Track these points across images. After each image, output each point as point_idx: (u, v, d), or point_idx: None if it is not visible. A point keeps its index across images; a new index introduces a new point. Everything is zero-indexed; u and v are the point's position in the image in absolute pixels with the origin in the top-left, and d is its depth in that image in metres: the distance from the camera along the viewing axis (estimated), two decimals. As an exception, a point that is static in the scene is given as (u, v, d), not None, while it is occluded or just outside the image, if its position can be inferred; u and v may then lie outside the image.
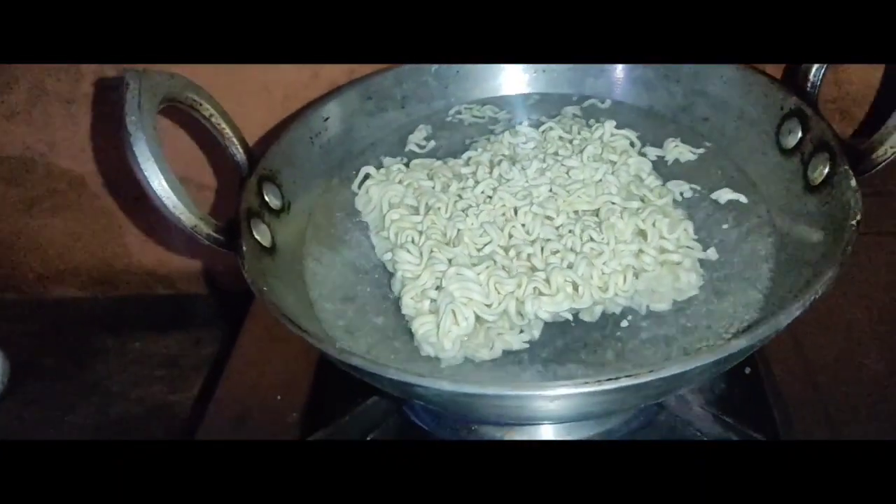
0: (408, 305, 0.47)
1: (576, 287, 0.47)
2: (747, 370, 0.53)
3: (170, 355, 1.01)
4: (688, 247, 0.50)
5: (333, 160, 0.60)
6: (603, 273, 0.48)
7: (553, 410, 0.37)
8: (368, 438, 0.51)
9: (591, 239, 0.50)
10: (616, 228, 0.50)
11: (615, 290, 0.47)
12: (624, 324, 0.46)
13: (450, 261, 0.49)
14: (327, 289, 0.51)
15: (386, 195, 0.55)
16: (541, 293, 0.47)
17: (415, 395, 0.38)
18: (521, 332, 0.46)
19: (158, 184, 0.42)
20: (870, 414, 0.50)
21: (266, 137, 0.67)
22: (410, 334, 0.47)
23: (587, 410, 0.41)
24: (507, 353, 0.46)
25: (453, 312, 0.45)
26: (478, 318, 0.46)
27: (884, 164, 0.45)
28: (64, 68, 0.76)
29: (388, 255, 0.52)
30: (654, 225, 0.50)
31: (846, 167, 0.45)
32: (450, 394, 0.36)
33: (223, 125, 0.50)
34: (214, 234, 0.45)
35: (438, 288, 0.48)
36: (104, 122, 0.82)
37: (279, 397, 0.57)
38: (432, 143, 0.62)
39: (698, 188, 0.55)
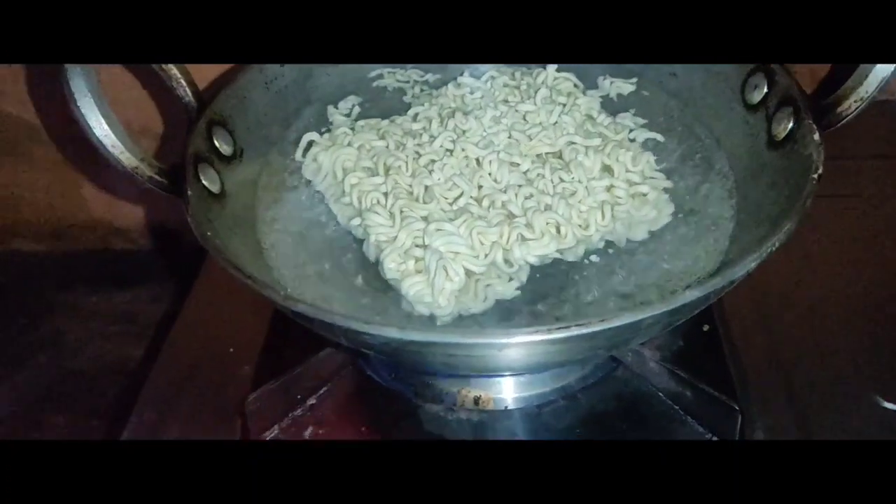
0: (391, 269, 0.46)
1: (558, 228, 0.47)
2: (705, 327, 0.53)
3: (127, 311, 0.99)
4: (652, 177, 0.51)
5: (290, 108, 0.58)
6: (580, 211, 0.48)
7: (505, 360, 0.36)
8: (322, 391, 0.50)
9: (562, 180, 0.50)
10: (584, 167, 0.50)
11: (596, 227, 0.48)
12: (600, 262, 0.47)
13: (424, 218, 0.48)
14: (281, 241, 0.50)
15: (338, 161, 0.53)
16: (525, 239, 0.47)
17: (363, 343, 0.37)
18: (510, 279, 0.46)
19: (96, 121, 0.40)
20: (829, 376, 0.50)
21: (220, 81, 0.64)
22: (375, 290, 0.46)
23: (541, 360, 0.40)
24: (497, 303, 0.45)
25: (444, 269, 0.44)
26: (467, 271, 0.45)
27: (848, 118, 0.44)
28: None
29: (356, 221, 0.50)
30: (618, 159, 0.51)
31: (810, 121, 0.45)
32: (398, 342, 0.34)
33: (170, 66, 0.48)
34: (157, 177, 0.43)
35: (418, 247, 0.46)
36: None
37: (231, 350, 0.56)
38: (357, 110, 0.59)
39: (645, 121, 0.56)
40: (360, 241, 0.49)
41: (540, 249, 0.46)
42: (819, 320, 0.54)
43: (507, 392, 0.51)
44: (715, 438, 0.46)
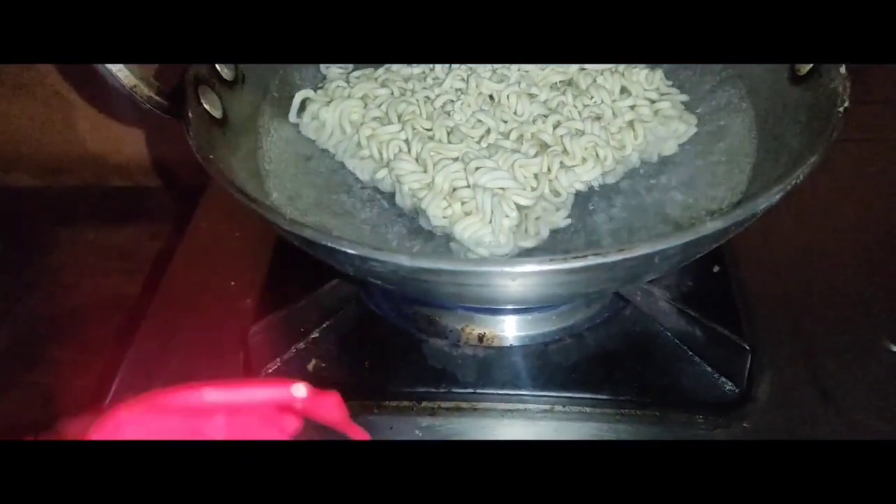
0: (436, 216, 0.44)
1: (596, 152, 0.46)
2: (716, 269, 0.52)
3: (124, 248, 0.99)
4: (667, 93, 0.51)
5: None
6: (612, 133, 0.48)
7: (518, 291, 0.35)
8: (325, 325, 0.50)
9: (585, 105, 0.49)
10: (605, 89, 0.49)
11: (632, 146, 0.47)
12: (618, 194, 0.46)
13: (456, 159, 0.46)
14: (283, 172, 0.49)
15: (343, 115, 0.50)
16: (567, 166, 0.46)
17: (371, 272, 0.36)
18: (558, 209, 0.45)
19: (93, 36, 0.38)
20: (839, 320, 0.50)
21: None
22: (381, 223, 0.45)
23: (556, 292, 0.39)
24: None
25: (500, 205, 0.43)
26: (517, 206, 0.44)
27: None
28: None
29: (382, 173, 0.47)
30: (633, 79, 0.50)
31: (836, 54, 0.43)
32: (408, 269, 0.33)
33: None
34: (156, 98, 0.41)
35: (458, 189, 0.45)
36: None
37: (232, 283, 0.55)
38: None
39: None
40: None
41: (586, 174, 0.45)
42: (830, 264, 0.53)
43: (512, 330, 0.50)
44: (723, 379, 0.46)
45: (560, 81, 0.51)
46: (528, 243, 0.43)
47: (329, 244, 0.34)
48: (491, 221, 0.43)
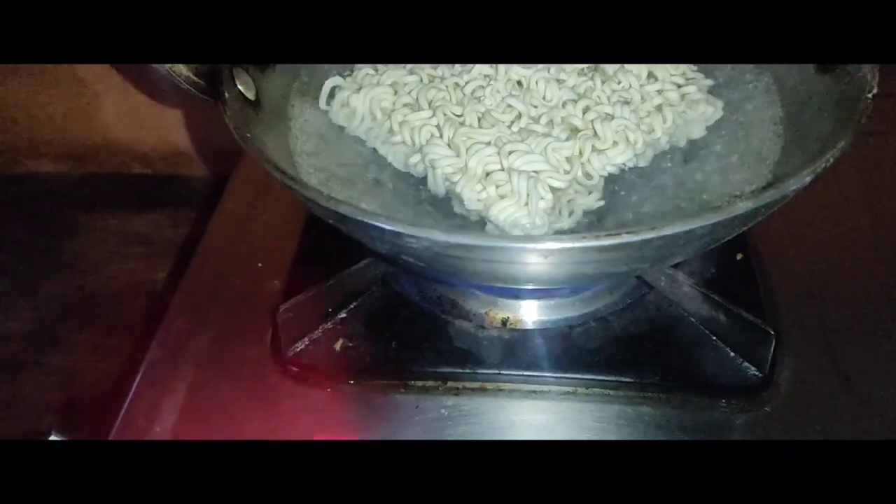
0: (471, 200, 0.45)
1: (627, 135, 0.47)
2: (739, 256, 0.53)
3: (146, 234, 1.00)
4: (693, 78, 0.51)
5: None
6: (641, 117, 0.48)
7: (546, 269, 0.36)
8: (352, 305, 0.50)
9: (613, 90, 0.50)
10: (633, 73, 0.50)
11: (661, 130, 0.48)
12: (645, 178, 0.47)
13: (488, 144, 0.47)
14: (314, 153, 0.49)
15: (374, 101, 0.51)
16: (598, 149, 0.46)
17: (405, 249, 0.36)
18: (590, 192, 0.46)
19: (134, 15, 0.39)
20: (860, 309, 0.50)
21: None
22: (413, 203, 0.45)
23: (587, 271, 0.39)
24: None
25: (536, 187, 0.44)
26: (551, 188, 0.45)
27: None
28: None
29: (415, 159, 0.47)
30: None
31: (864, 42, 0.43)
32: (443, 245, 0.34)
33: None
34: (194, 78, 0.42)
35: (490, 173, 0.45)
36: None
37: (260, 265, 0.56)
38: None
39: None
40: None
41: (618, 157, 0.46)
42: (853, 252, 0.54)
43: (534, 315, 0.51)
44: (746, 363, 0.46)
45: (587, 67, 0.51)
46: (563, 225, 0.44)
47: (365, 220, 0.35)
48: (527, 204, 0.43)
